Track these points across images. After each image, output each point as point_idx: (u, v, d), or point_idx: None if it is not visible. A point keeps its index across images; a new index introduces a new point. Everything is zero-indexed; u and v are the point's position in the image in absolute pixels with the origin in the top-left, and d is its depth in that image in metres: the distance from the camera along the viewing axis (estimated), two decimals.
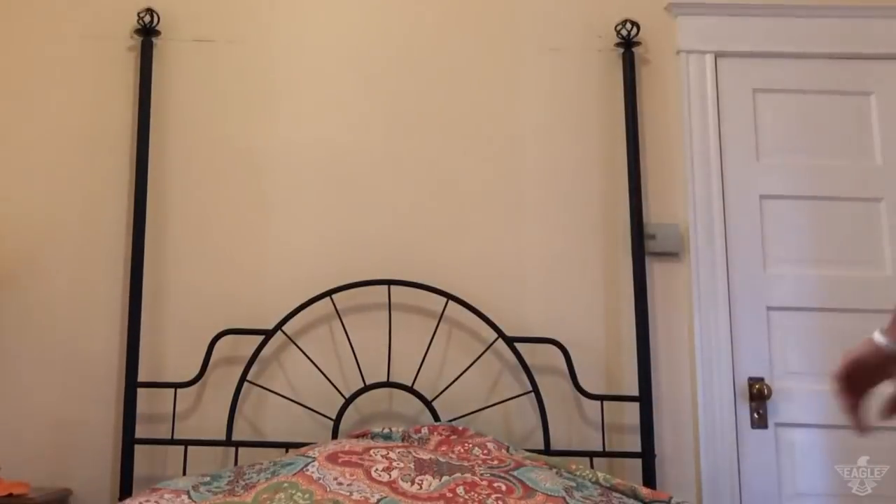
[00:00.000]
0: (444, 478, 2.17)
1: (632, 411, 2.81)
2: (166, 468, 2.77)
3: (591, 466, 2.68)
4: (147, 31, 2.97)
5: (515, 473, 2.27)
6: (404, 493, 2.10)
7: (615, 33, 3.04)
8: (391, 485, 2.12)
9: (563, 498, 2.16)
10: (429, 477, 2.17)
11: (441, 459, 2.29)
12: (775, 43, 3.09)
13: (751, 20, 3.10)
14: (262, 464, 2.29)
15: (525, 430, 2.82)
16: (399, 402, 2.82)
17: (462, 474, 2.20)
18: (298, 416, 2.79)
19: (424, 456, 2.31)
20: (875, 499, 2.74)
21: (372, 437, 2.49)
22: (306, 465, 2.19)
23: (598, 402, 2.78)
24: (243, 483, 2.17)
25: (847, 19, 3.10)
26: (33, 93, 2.99)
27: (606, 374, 2.86)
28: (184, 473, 2.66)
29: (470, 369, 2.80)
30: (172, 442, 2.73)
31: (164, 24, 3.00)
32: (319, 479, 2.13)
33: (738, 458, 2.82)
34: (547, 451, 2.72)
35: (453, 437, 2.51)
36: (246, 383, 2.77)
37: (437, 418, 2.73)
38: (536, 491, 2.18)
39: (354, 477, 2.14)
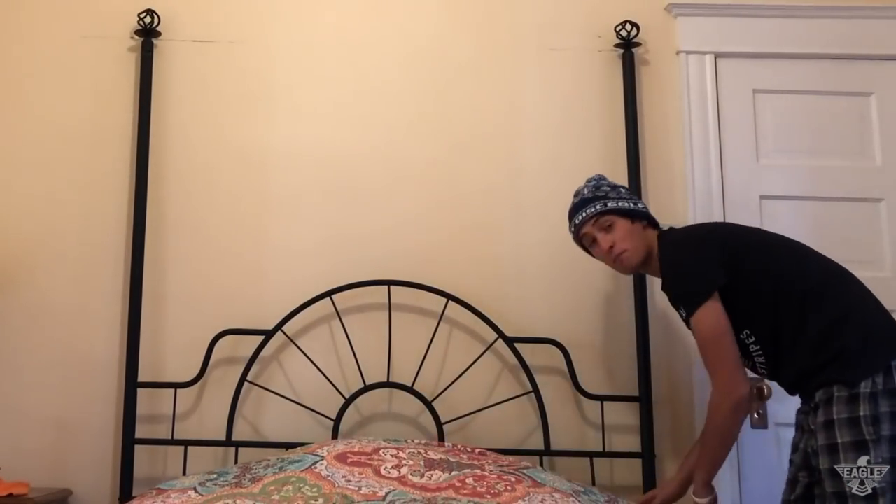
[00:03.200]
0: (454, 472, 2.19)
1: (632, 411, 2.81)
2: (166, 468, 2.77)
3: (592, 466, 2.70)
4: (147, 33, 2.97)
5: (525, 472, 2.29)
6: (413, 485, 2.11)
7: (615, 34, 3.04)
8: (400, 480, 2.14)
9: (571, 494, 2.17)
10: (438, 472, 2.18)
11: (451, 459, 2.31)
12: (775, 43, 3.09)
13: (751, 20, 3.10)
14: (268, 460, 2.30)
15: (525, 430, 2.82)
16: (399, 402, 2.82)
17: (472, 470, 2.21)
18: (298, 417, 2.79)
19: (435, 456, 2.32)
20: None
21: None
22: (315, 463, 2.20)
23: (598, 403, 2.78)
24: (250, 476, 2.18)
25: (847, 20, 3.10)
26: (33, 93, 2.99)
27: (606, 375, 2.86)
28: (184, 473, 2.65)
29: (470, 369, 2.80)
30: (172, 442, 2.74)
31: (164, 24, 3.00)
32: (328, 476, 2.14)
33: (738, 458, 2.82)
34: (547, 451, 2.72)
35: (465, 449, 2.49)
36: (246, 383, 2.77)
37: (437, 418, 2.73)
38: (545, 484, 2.20)
39: (363, 475, 2.15)
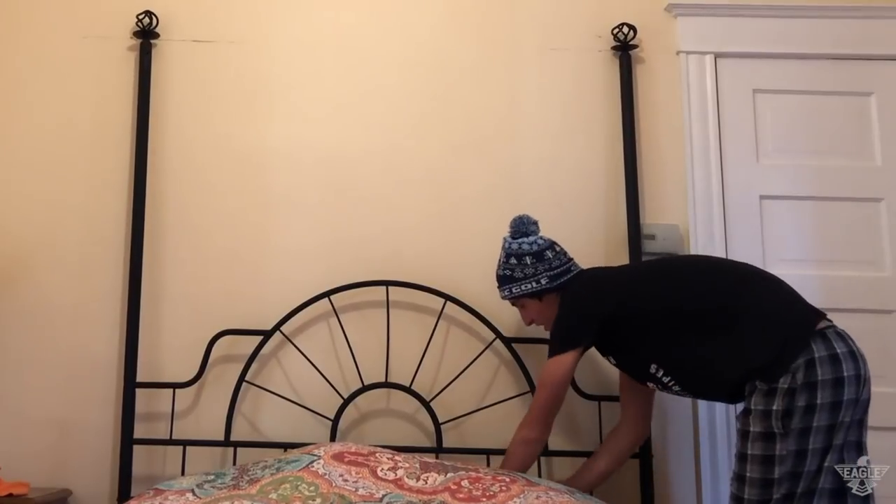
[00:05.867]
0: (449, 474, 2.20)
1: None
2: (165, 468, 2.77)
3: None
4: (145, 34, 2.98)
5: (520, 474, 2.31)
6: (409, 489, 2.12)
7: (612, 36, 3.04)
8: (397, 482, 2.15)
9: (567, 492, 2.19)
10: (434, 474, 2.20)
11: (447, 463, 2.32)
12: (775, 43, 3.09)
13: (751, 20, 3.10)
14: (266, 461, 2.31)
15: None
16: (397, 401, 2.83)
17: (467, 472, 2.23)
18: (297, 417, 2.80)
19: (430, 460, 2.34)
20: (875, 499, 2.74)
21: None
22: (311, 462, 2.21)
23: (596, 403, 2.78)
24: (248, 478, 2.19)
25: (847, 20, 3.10)
26: (33, 93, 3.00)
27: (603, 375, 2.85)
28: (182, 473, 2.66)
29: (468, 369, 2.80)
30: (171, 442, 2.74)
31: (163, 25, 3.01)
32: (325, 474, 2.15)
33: None
34: (544, 451, 2.72)
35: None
36: (244, 383, 2.78)
37: (434, 418, 2.74)
38: (539, 484, 2.21)
39: (360, 475, 2.16)
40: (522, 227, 2.57)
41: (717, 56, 3.09)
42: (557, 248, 2.56)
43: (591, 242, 2.93)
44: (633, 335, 2.35)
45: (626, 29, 3.00)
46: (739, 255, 2.93)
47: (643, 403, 2.58)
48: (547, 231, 2.91)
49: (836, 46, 3.08)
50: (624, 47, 3.02)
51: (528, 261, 2.51)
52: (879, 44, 3.08)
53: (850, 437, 2.13)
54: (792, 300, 2.26)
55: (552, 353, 2.39)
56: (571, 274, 2.52)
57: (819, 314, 2.22)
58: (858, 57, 3.09)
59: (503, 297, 2.58)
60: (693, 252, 2.94)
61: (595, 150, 3.02)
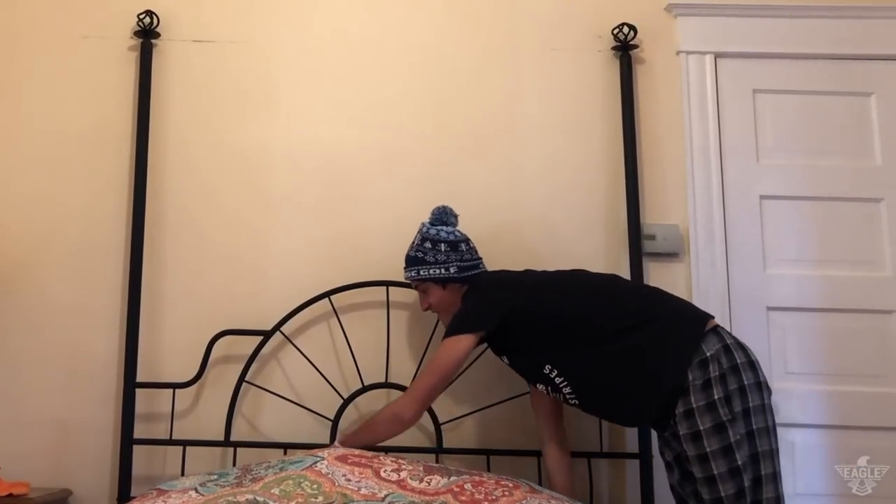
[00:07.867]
0: (453, 478, 2.21)
1: None
2: (165, 468, 2.78)
3: (589, 466, 2.69)
4: (146, 34, 2.98)
5: (522, 479, 2.31)
6: (412, 489, 2.13)
7: (612, 36, 3.04)
8: (399, 483, 2.16)
9: (568, 501, 2.21)
10: (437, 476, 2.20)
11: (451, 468, 2.34)
12: (775, 43, 3.09)
13: (751, 20, 3.10)
14: (269, 462, 2.32)
15: (523, 430, 2.81)
16: None
17: (470, 476, 2.24)
18: (297, 417, 2.80)
19: (434, 464, 2.35)
20: (875, 499, 2.74)
21: None
22: (315, 463, 2.22)
23: None
24: (251, 477, 2.20)
25: (847, 19, 3.10)
26: (34, 92, 3.00)
27: None
28: (182, 474, 2.66)
29: (468, 370, 2.79)
30: (171, 442, 2.74)
31: (163, 25, 3.01)
32: (328, 474, 2.16)
33: None
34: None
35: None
36: (244, 384, 2.78)
37: (434, 419, 2.74)
38: (542, 492, 2.23)
39: (363, 475, 2.17)
40: (444, 216, 2.62)
41: (717, 56, 3.09)
42: (471, 245, 2.61)
43: (592, 242, 2.94)
44: (532, 334, 2.37)
45: (626, 29, 3.01)
46: (739, 254, 2.95)
47: (554, 410, 2.59)
48: (547, 231, 2.93)
49: (836, 46, 3.08)
50: (624, 47, 3.02)
51: (442, 247, 2.55)
52: (879, 44, 3.08)
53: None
54: (689, 305, 2.42)
55: (451, 333, 2.39)
56: (478, 270, 2.57)
57: (709, 315, 2.33)
58: (858, 57, 3.08)
59: (408, 278, 2.60)
60: (693, 251, 2.94)
61: (595, 150, 3.02)
